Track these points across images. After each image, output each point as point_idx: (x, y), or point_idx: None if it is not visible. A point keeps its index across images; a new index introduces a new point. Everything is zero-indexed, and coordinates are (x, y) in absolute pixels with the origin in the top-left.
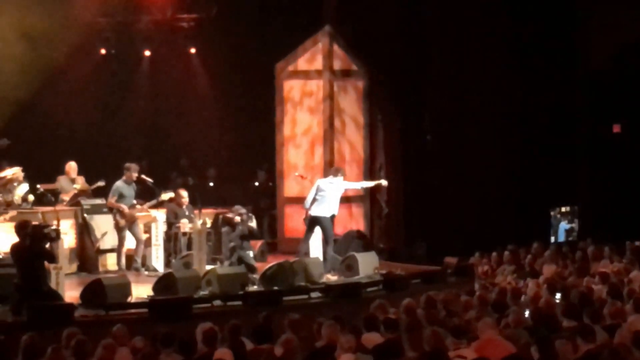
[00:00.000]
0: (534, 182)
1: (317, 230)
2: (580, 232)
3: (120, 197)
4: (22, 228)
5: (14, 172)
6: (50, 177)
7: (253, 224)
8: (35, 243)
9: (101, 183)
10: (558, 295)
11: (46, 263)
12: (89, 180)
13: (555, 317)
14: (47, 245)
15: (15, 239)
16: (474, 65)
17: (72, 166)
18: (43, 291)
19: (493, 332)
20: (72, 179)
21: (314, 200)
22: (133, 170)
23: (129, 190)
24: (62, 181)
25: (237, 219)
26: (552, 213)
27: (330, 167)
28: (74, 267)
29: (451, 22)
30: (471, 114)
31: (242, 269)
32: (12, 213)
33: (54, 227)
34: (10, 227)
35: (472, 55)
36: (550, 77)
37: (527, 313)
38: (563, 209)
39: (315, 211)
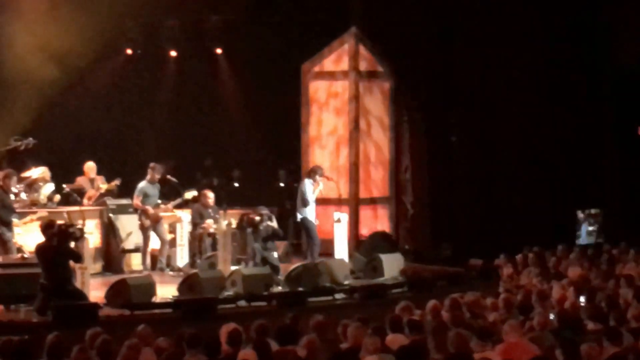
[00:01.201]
0: (560, 184)
1: (340, 231)
2: (607, 234)
3: (145, 197)
4: (47, 228)
5: (40, 171)
6: (76, 177)
7: (274, 224)
8: (60, 243)
9: (117, 181)
10: (583, 298)
11: (71, 263)
12: (109, 180)
13: (581, 319)
14: (72, 245)
15: (41, 238)
16: (500, 66)
17: (90, 166)
18: (68, 291)
19: (518, 335)
20: (91, 179)
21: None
22: (157, 171)
23: (153, 190)
24: (81, 182)
25: (257, 218)
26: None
27: (355, 168)
28: (98, 266)
29: (478, 24)
30: (497, 115)
31: (266, 270)
32: (40, 213)
33: (78, 226)
34: (37, 226)
35: (498, 56)
36: (577, 78)
37: (552, 316)
38: (592, 211)
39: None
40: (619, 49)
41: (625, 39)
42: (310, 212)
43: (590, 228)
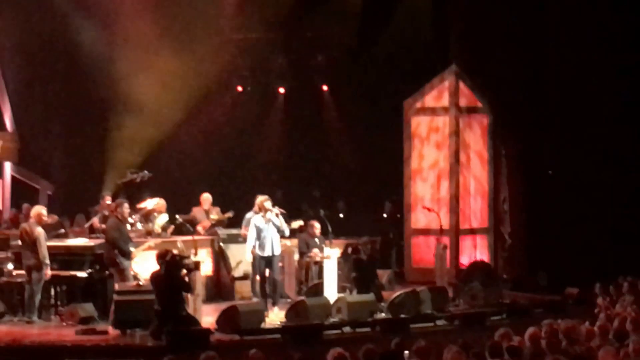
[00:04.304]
0: None
1: (441, 260)
2: None
3: None
4: (162, 257)
5: (155, 202)
6: (189, 208)
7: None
8: (171, 272)
9: (229, 214)
10: None
11: None
12: (224, 211)
13: None
14: (185, 275)
15: (155, 266)
16: (595, 101)
17: (205, 198)
18: (181, 316)
19: None
20: (205, 210)
21: None
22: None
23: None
24: (196, 212)
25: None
26: None
27: (456, 200)
28: (210, 293)
29: (573, 60)
30: (591, 149)
31: (370, 297)
32: (154, 242)
33: (194, 258)
34: (151, 255)
35: (593, 92)
36: None
37: None
38: None
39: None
40: None
41: None
42: (263, 246)
43: None
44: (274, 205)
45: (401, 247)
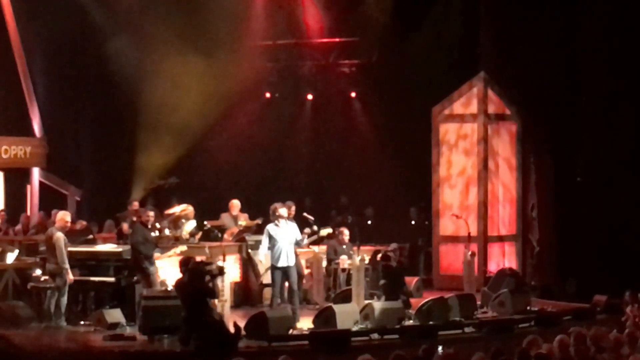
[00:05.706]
0: None
1: (469, 267)
2: None
3: None
4: (184, 264)
5: (182, 208)
6: (217, 214)
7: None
8: (194, 279)
9: (258, 220)
10: None
11: None
12: (252, 218)
13: None
14: (209, 281)
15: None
16: (626, 107)
17: (234, 204)
18: (208, 323)
19: None
20: (234, 216)
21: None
22: (290, 209)
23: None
24: (224, 218)
25: (379, 255)
26: None
27: (484, 207)
28: (238, 300)
29: (604, 65)
30: (621, 155)
31: (398, 304)
32: (181, 247)
33: (218, 264)
34: (178, 261)
35: (625, 98)
36: None
37: None
38: None
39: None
40: None
41: None
42: (277, 257)
43: None
44: (301, 213)
45: (429, 254)
